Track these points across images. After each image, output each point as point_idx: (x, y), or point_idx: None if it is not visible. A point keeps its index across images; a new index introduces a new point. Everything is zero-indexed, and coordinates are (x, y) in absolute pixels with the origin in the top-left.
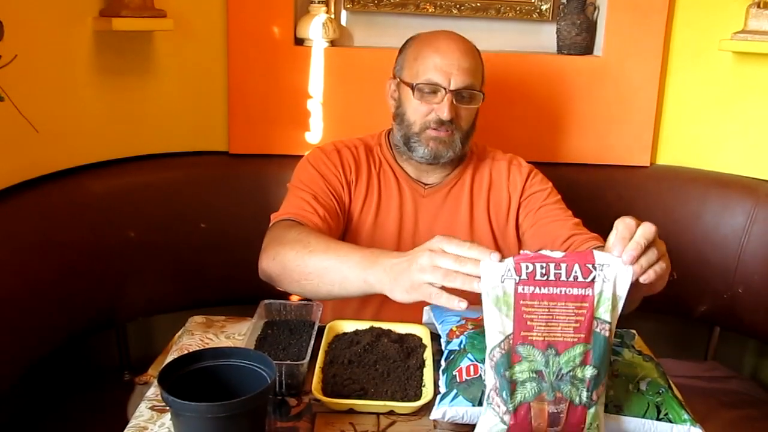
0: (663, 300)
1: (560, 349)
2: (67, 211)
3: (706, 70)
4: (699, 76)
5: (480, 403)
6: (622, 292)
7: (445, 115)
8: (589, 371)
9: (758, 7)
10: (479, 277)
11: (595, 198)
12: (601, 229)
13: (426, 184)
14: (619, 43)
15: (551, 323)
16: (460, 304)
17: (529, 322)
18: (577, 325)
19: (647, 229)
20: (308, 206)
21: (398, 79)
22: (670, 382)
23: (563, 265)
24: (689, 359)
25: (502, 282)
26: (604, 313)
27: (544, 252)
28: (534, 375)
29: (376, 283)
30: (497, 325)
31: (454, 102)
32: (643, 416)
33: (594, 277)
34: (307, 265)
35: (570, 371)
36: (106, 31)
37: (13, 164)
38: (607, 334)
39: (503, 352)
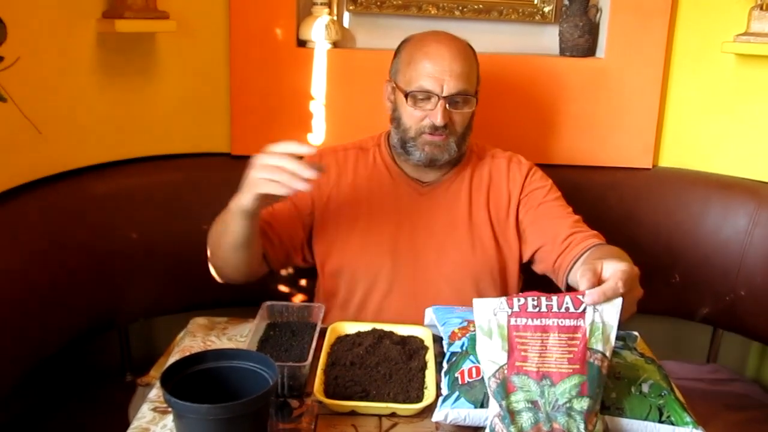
0: (665, 302)
1: (555, 380)
2: (69, 212)
3: (709, 73)
4: (701, 78)
5: (482, 405)
6: (614, 322)
7: (438, 121)
8: (586, 402)
9: (761, 9)
10: (304, 178)
11: (597, 200)
12: (604, 233)
13: (424, 183)
14: (621, 45)
15: (545, 354)
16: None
17: (523, 353)
18: (571, 356)
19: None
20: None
21: (394, 83)
22: (673, 385)
23: (554, 297)
24: (691, 361)
25: (495, 315)
26: (597, 343)
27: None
28: (530, 405)
29: (236, 201)
30: (490, 355)
31: (447, 107)
32: (645, 419)
33: (585, 308)
34: (212, 236)
35: (566, 402)
36: (108, 33)
37: (16, 166)
38: (599, 364)
39: (498, 381)
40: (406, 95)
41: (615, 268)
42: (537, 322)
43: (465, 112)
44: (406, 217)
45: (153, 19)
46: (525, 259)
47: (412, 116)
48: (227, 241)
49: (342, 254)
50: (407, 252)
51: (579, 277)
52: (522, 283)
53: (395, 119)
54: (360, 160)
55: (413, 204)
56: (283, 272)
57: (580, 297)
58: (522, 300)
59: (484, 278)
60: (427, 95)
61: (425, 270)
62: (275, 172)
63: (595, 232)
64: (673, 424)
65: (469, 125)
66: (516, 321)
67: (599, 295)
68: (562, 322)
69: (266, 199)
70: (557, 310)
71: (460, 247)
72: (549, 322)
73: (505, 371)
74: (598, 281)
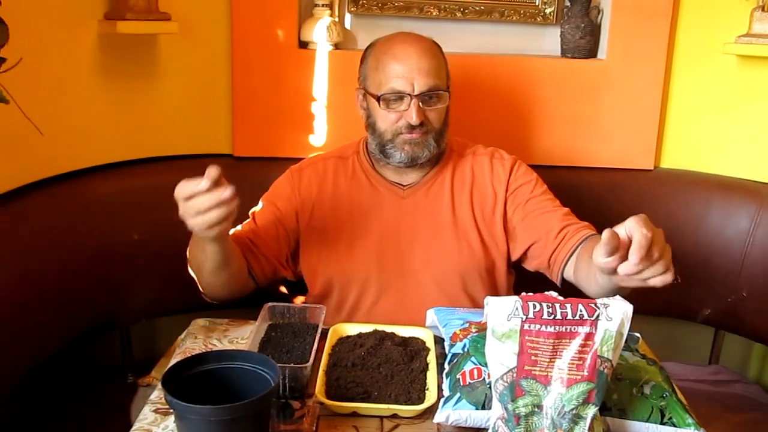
0: (667, 303)
1: (564, 386)
2: (71, 213)
3: (710, 74)
4: (703, 79)
5: (484, 407)
6: (624, 330)
7: (413, 120)
8: (591, 410)
9: (762, 10)
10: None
11: (598, 201)
12: None
13: (405, 186)
14: (623, 47)
15: (555, 359)
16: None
17: (533, 357)
18: (581, 362)
19: (659, 242)
20: (243, 227)
21: (363, 90)
22: (674, 386)
23: (568, 305)
24: (693, 363)
25: (508, 320)
26: (607, 351)
27: (548, 293)
28: (536, 410)
29: (197, 236)
30: (500, 358)
31: (421, 105)
32: (647, 420)
33: (598, 315)
34: (191, 261)
35: (573, 409)
36: (110, 34)
37: (18, 167)
38: (608, 371)
39: (506, 384)
40: (378, 99)
41: (627, 224)
42: (551, 329)
43: (439, 108)
44: (390, 222)
45: (155, 21)
46: (515, 257)
47: (387, 119)
48: (206, 267)
49: (329, 264)
50: (393, 257)
51: (599, 254)
52: (514, 281)
53: (370, 125)
54: (339, 170)
55: (395, 208)
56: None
57: (593, 304)
58: (537, 306)
59: (472, 278)
60: (399, 96)
61: (412, 273)
62: (197, 217)
63: (586, 222)
64: (674, 425)
65: (446, 121)
66: (530, 326)
67: (639, 250)
68: (575, 329)
69: (215, 231)
70: (572, 318)
71: (445, 248)
72: (563, 329)
73: (514, 374)
74: (616, 245)
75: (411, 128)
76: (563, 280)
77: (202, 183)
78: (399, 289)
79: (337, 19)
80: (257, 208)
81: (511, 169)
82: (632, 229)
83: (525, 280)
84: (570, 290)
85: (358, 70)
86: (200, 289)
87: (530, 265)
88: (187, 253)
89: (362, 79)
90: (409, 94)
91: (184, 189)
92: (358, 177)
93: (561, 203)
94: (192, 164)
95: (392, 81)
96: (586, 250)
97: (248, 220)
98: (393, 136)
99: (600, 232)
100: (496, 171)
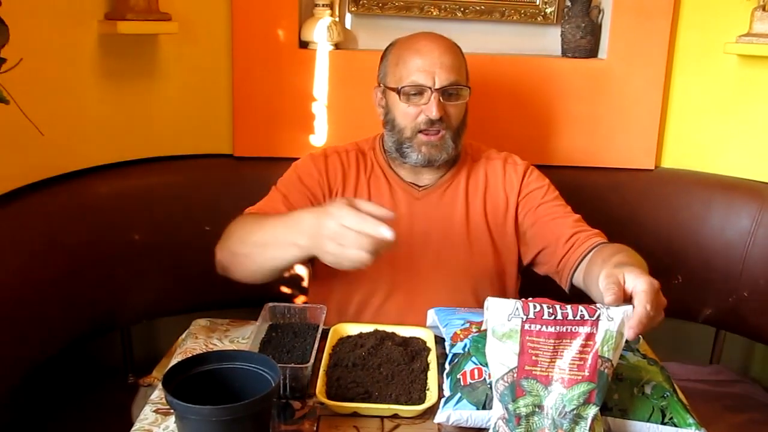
0: (668, 303)
1: (564, 386)
2: (71, 213)
3: (711, 73)
4: (704, 79)
5: (485, 407)
6: (625, 330)
7: (433, 114)
8: (592, 410)
9: (763, 10)
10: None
11: (599, 201)
12: (606, 234)
13: (420, 186)
14: (623, 46)
15: (556, 359)
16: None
17: (533, 357)
18: (582, 363)
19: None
20: (273, 204)
21: (383, 87)
22: (675, 386)
23: (569, 307)
24: (694, 363)
25: (509, 320)
26: (608, 351)
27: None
28: (537, 410)
29: (307, 249)
30: (501, 359)
31: (441, 100)
32: (648, 420)
33: (599, 315)
34: (245, 239)
35: (574, 409)
36: (111, 35)
37: (18, 167)
38: (608, 371)
39: (506, 384)
40: (399, 92)
41: (638, 288)
42: (551, 329)
43: (459, 104)
44: (403, 222)
45: (155, 21)
46: (526, 261)
47: (407, 114)
48: (268, 263)
49: None
50: (405, 257)
51: (603, 289)
52: (520, 285)
53: (388, 122)
54: (360, 163)
55: (409, 209)
56: (285, 274)
57: (594, 306)
58: (538, 307)
59: (482, 283)
60: (420, 89)
61: (423, 276)
62: (348, 246)
63: (597, 230)
64: (675, 425)
65: (464, 120)
66: (530, 326)
67: (638, 326)
68: (576, 329)
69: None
70: (572, 318)
71: (457, 252)
72: (563, 329)
73: (515, 375)
74: (623, 292)
75: (431, 123)
76: (572, 286)
77: (388, 232)
78: (408, 291)
79: (337, 19)
80: (277, 197)
81: (523, 174)
82: (637, 298)
83: (531, 284)
84: (579, 297)
85: (378, 68)
86: (223, 262)
87: (540, 270)
88: (243, 232)
89: (381, 76)
90: (430, 88)
91: (369, 224)
92: (377, 174)
93: (570, 207)
94: (193, 164)
95: (413, 74)
96: (598, 257)
97: (272, 205)
98: (412, 134)
99: (603, 233)
100: (509, 176)
